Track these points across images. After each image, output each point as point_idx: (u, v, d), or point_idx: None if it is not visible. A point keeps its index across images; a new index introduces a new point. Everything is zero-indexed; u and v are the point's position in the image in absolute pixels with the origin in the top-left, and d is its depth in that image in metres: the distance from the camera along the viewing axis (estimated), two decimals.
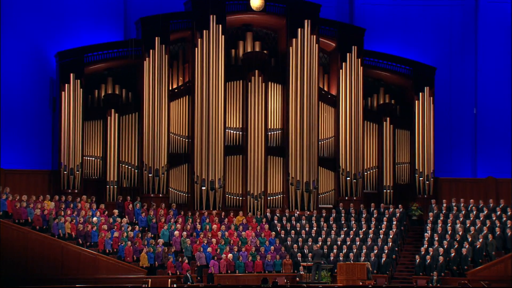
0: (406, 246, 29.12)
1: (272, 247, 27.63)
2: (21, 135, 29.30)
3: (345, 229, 28.92)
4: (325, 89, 31.51)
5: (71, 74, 28.93)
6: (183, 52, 30.86)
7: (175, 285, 24.61)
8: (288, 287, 24.62)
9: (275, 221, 29.19)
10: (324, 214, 29.62)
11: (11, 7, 29.40)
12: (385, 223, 29.05)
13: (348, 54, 30.94)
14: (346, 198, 30.63)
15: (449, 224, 28.14)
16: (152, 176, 29.31)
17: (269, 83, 30.55)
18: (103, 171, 29.33)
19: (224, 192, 29.86)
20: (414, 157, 31.37)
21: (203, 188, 29.47)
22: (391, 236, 28.31)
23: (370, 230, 28.66)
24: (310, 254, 27.25)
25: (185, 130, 30.20)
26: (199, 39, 29.86)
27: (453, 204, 29.16)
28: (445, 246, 27.04)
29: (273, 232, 28.52)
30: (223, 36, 29.94)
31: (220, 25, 29.94)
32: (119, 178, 29.32)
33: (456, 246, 26.81)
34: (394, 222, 29.06)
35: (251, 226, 28.63)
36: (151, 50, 29.49)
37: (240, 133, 30.43)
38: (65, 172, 28.65)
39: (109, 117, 29.36)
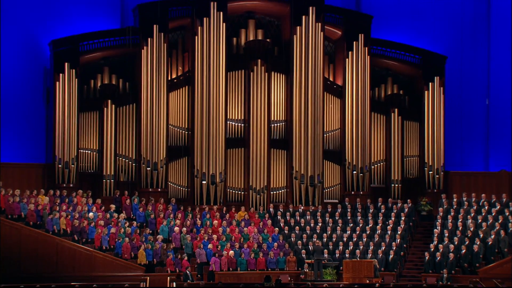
0: (415, 242, 29.07)
1: (275, 244, 27.58)
2: (14, 127, 29.22)
3: (351, 225, 28.86)
4: (331, 79, 31.42)
5: (66, 64, 28.86)
6: (182, 41, 30.77)
7: (174, 283, 24.54)
8: (292, 285, 24.54)
9: (278, 217, 29.13)
10: (329, 210, 29.56)
11: None
12: (393, 218, 28.97)
13: (354, 42, 30.84)
14: (353, 192, 30.57)
15: (460, 220, 28.06)
16: (150, 170, 29.25)
17: (272, 73, 30.47)
18: (99, 164, 29.27)
19: (225, 187, 29.79)
20: (424, 149, 31.30)
21: (204, 182, 29.41)
22: (399, 232, 28.24)
23: (378, 226, 28.60)
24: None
25: (184, 122, 30.14)
26: (199, 27, 29.74)
27: (464, 198, 29.07)
28: (456, 243, 26.96)
29: (276, 228, 28.45)
30: (224, 24, 29.82)
31: (221, 12, 29.82)
32: (116, 172, 29.26)
33: (467, 243, 26.73)
34: (403, 218, 28.99)
35: (254, 221, 28.58)
36: (149, 39, 29.40)
37: (242, 125, 30.35)
38: (60, 166, 28.59)
39: (105, 109, 29.28)
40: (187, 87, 30.12)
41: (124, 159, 29.57)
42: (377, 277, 25.95)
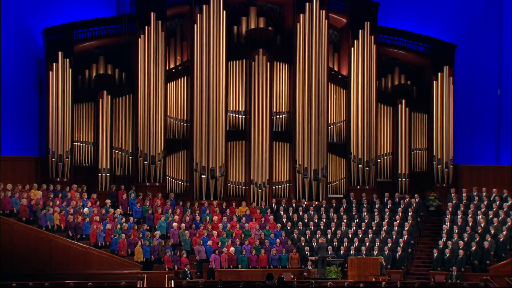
0: (423, 239, 29.03)
1: (278, 240, 27.54)
2: (5, 118, 29.18)
3: (357, 220, 28.80)
4: (335, 69, 31.36)
5: (60, 53, 28.82)
6: (181, 29, 30.72)
7: (172, 281, 24.48)
8: (295, 283, 24.46)
9: (281, 212, 29.09)
10: (333, 205, 29.53)
11: None
12: (400, 214, 28.92)
13: (360, 30, 30.78)
14: (358, 187, 30.54)
15: (470, 215, 27.99)
16: (147, 164, 29.21)
17: (275, 62, 30.44)
18: (94, 158, 29.25)
19: (225, 181, 29.76)
20: (432, 142, 31.28)
21: (203, 176, 29.37)
22: (406, 228, 28.18)
23: (384, 222, 28.54)
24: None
25: (183, 114, 30.10)
26: (198, 15, 29.66)
27: (474, 193, 29.01)
28: (466, 239, 26.90)
29: (279, 224, 28.41)
30: (224, 11, 29.76)
31: None
32: (112, 166, 29.25)
33: (477, 239, 26.67)
34: (410, 213, 28.93)
35: (255, 217, 28.54)
36: (146, 27, 29.35)
37: (243, 116, 30.30)
38: (54, 159, 28.56)
39: (101, 99, 29.24)
40: (185, 77, 30.08)
41: (120, 152, 29.52)
42: (384, 274, 25.87)
